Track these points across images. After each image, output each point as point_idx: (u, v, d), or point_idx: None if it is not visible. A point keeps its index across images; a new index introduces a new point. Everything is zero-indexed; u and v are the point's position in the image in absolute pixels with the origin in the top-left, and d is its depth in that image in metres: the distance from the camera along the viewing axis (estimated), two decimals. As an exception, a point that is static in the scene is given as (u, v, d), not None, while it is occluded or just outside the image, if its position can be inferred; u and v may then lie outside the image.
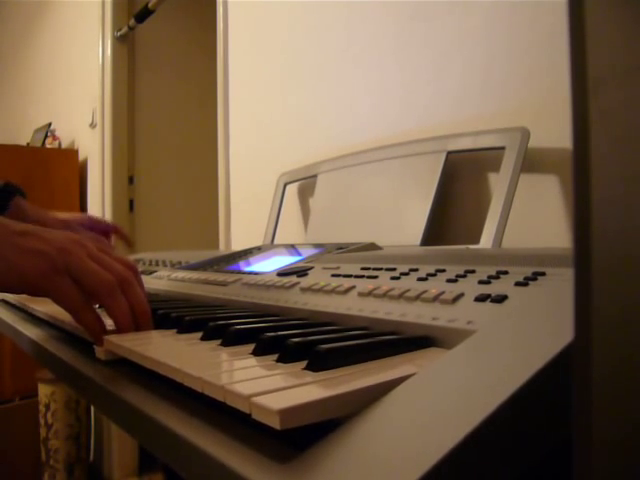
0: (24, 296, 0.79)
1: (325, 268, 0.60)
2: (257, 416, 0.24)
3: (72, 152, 2.60)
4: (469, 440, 0.21)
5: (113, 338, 0.42)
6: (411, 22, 0.99)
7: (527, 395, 0.24)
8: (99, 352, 0.44)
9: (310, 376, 0.29)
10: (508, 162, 0.73)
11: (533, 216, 0.79)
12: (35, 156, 2.46)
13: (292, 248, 0.83)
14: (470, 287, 0.40)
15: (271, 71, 1.42)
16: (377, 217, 0.91)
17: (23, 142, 2.95)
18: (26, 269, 0.44)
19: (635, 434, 0.20)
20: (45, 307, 0.65)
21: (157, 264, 1.00)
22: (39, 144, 2.65)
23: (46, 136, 2.66)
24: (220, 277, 0.70)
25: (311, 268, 0.61)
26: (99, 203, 2.44)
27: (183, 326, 0.45)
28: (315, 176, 1.11)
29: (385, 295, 0.44)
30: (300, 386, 0.27)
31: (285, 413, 0.23)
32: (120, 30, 2.38)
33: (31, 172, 2.37)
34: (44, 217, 0.82)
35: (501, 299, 0.36)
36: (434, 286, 0.43)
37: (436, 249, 0.75)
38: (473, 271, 0.45)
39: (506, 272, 0.42)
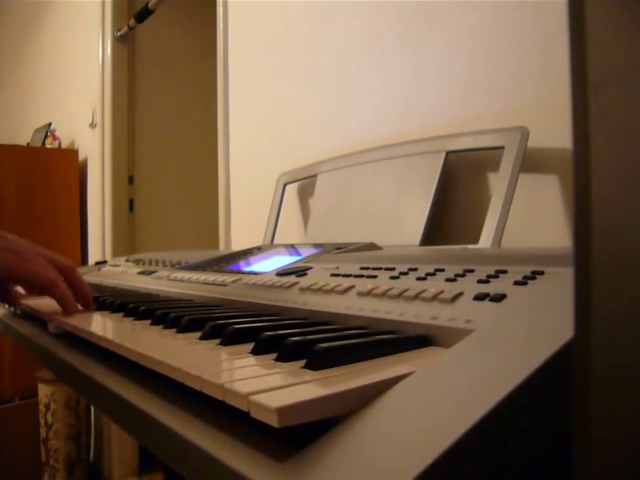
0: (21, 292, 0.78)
1: (324, 268, 0.60)
2: (256, 414, 0.24)
3: (72, 152, 2.60)
4: (466, 438, 0.21)
5: (112, 337, 0.42)
6: (413, 22, 0.99)
7: (525, 394, 0.24)
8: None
9: (309, 375, 0.29)
10: (507, 162, 0.73)
11: (533, 216, 0.79)
12: (35, 156, 2.46)
13: (292, 248, 0.83)
14: (469, 286, 0.40)
15: (271, 71, 1.42)
16: (377, 217, 0.91)
17: (23, 142, 2.95)
18: (32, 270, 0.60)
19: (635, 433, 0.20)
20: (44, 307, 0.65)
21: (157, 264, 1.00)
22: (39, 144, 2.65)
23: (46, 136, 2.66)
24: (220, 277, 0.70)
25: (310, 268, 0.61)
26: (99, 203, 2.44)
27: (182, 325, 0.45)
28: (315, 176, 1.11)
29: (384, 295, 0.44)
30: (298, 384, 0.27)
31: (283, 411, 0.23)
32: (120, 30, 2.38)
33: (31, 172, 2.37)
34: None
35: (500, 298, 0.36)
36: (433, 285, 0.43)
37: (435, 249, 0.75)
38: (472, 270, 0.45)
39: (505, 271, 0.42)
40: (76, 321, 0.53)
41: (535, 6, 0.79)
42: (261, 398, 0.24)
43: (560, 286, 0.36)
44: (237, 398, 0.26)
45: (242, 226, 1.54)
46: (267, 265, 0.72)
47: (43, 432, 1.76)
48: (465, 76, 0.89)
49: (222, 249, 1.58)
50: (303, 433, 0.24)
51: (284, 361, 0.32)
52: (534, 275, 0.40)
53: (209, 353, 0.37)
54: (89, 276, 1.07)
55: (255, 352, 0.35)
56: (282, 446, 0.24)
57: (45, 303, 0.66)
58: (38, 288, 0.62)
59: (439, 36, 0.94)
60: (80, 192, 2.52)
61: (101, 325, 0.53)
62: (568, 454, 0.20)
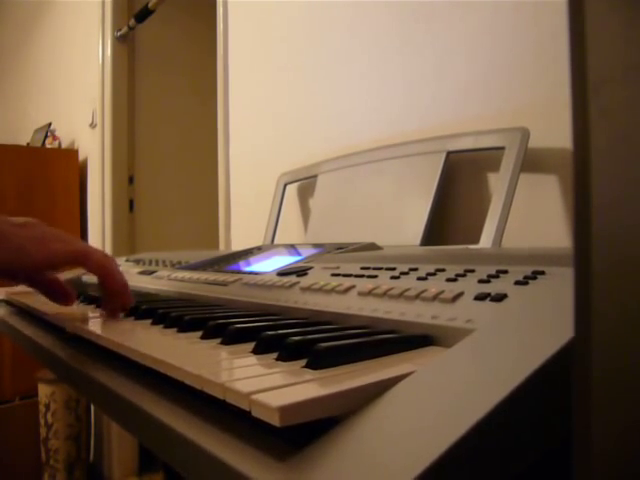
0: (21, 291, 0.78)
1: (325, 268, 0.60)
2: (257, 413, 0.24)
3: (72, 152, 2.60)
4: (467, 439, 0.21)
5: (112, 336, 0.43)
6: (413, 22, 0.99)
7: (526, 394, 0.24)
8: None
9: (309, 374, 0.29)
10: (508, 162, 0.73)
11: (533, 216, 0.79)
12: (35, 156, 2.46)
13: (292, 248, 0.83)
14: (470, 286, 0.41)
15: (271, 71, 1.42)
16: (377, 217, 0.91)
17: (23, 142, 2.95)
18: (55, 249, 0.51)
19: (635, 433, 0.20)
20: (46, 307, 0.65)
21: (157, 264, 1.00)
22: (39, 144, 2.65)
23: (46, 136, 2.66)
24: (220, 277, 0.70)
25: (311, 268, 0.61)
26: (99, 203, 2.44)
27: (183, 325, 0.45)
28: (315, 176, 1.11)
29: (385, 294, 0.44)
30: (300, 384, 0.27)
31: (285, 410, 0.23)
32: (120, 30, 2.38)
33: (31, 172, 2.37)
34: None
35: (501, 298, 0.36)
36: (434, 285, 0.43)
37: (436, 249, 0.75)
38: (473, 270, 0.45)
39: (506, 271, 0.42)
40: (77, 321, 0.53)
41: (534, 6, 0.79)
42: (262, 397, 0.24)
43: (561, 286, 0.36)
44: (238, 397, 0.26)
45: (242, 226, 1.54)
46: (267, 265, 0.72)
47: (43, 432, 1.76)
48: (464, 76, 0.89)
49: (222, 249, 1.58)
50: (304, 432, 0.24)
51: (285, 360, 0.32)
52: (535, 275, 0.40)
53: (210, 352, 0.37)
54: (90, 276, 1.07)
55: (256, 351, 0.35)
56: (283, 445, 0.24)
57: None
58: (69, 264, 0.52)
59: (438, 36, 0.94)
60: (80, 192, 2.53)
61: (101, 324, 0.53)
62: (568, 454, 0.20)
